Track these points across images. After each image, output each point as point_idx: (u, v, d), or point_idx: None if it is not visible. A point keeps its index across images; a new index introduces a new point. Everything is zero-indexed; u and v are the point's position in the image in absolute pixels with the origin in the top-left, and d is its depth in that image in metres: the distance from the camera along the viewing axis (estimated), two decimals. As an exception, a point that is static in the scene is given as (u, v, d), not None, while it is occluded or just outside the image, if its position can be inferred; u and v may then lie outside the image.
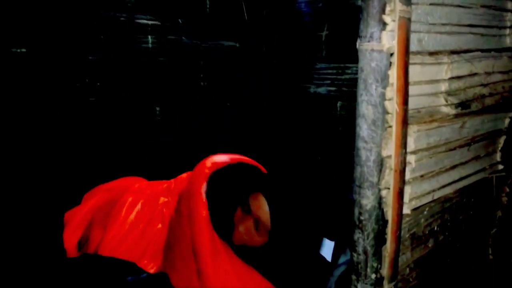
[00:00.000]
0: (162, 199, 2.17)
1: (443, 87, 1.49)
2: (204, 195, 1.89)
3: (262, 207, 1.88)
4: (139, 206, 2.19)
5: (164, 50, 3.03)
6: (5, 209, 2.32)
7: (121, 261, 1.99)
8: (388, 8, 1.14)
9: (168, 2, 3.00)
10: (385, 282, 1.31)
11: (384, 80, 1.18)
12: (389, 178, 1.24)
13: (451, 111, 1.49)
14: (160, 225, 2.08)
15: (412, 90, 1.28)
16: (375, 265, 1.28)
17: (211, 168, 2.04)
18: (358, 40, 1.19)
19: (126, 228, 2.12)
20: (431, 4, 1.38)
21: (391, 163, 1.24)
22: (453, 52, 1.50)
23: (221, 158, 2.15)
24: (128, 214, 2.19)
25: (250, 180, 2.01)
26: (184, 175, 2.39)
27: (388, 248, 1.30)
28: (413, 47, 1.29)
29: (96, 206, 2.36)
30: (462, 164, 1.61)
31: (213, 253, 1.78)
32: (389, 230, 1.29)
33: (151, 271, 1.96)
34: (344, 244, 1.87)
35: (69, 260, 2.11)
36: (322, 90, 3.15)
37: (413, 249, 1.50)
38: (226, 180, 1.99)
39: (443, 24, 1.44)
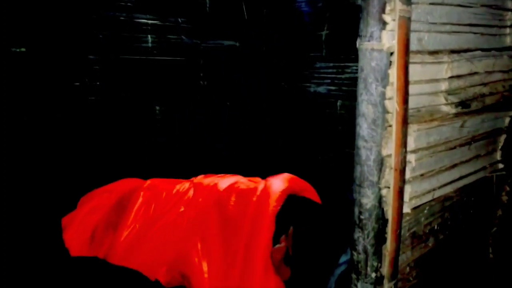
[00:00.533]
0: (180, 208, 2.21)
1: (443, 86, 1.50)
2: (275, 216, 1.96)
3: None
4: (151, 211, 2.24)
5: (164, 49, 3.03)
6: (5, 209, 2.32)
7: (127, 269, 2.04)
8: (388, 8, 1.15)
9: (168, 2, 3.01)
10: (385, 281, 1.31)
11: (384, 79, 1.18)
12: (389, 177, 1.25)
13: (451, 110, 1.49)
14: (171, 235, 2.12)
15: (412, 89, 1.28)
16: (375, 264, 1.28)
17: (286, 191, 2.12)
18: (358, 40, 1.20)
19: (137, 233, 2.17)
20: (431, 3, 1.38)
21: (391, 162, 1.24)
22: (453, 51, 1.50)
23: (289, 182, 2.23)
24: (138, 217, 2.23)
25: (304, 217, 2.10)
26: (203, 181, 2.42)
27: (388, 247, 1.30)
28: (413, 46, 1.29)
29: (97, 208, 2.37)
30: (462, 163, 1.61)
31: (266, 267, 1.85)
32: (389, 229, 1.29)
33: (162, 280, 2.00)
34: (345, 244, 1.88)
35: (73, 259, 2.13)
36: (322, 89, 3.15)
37: (413, 248, 1.50)
38: (296, 209, 2.08)
39: (443, 24, 1.44)
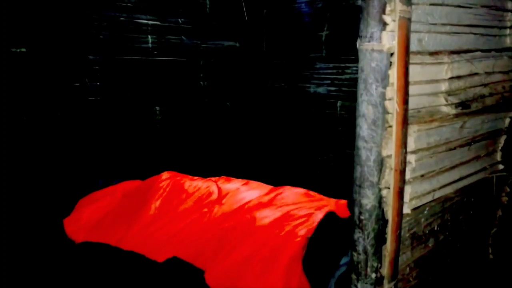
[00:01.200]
0: (203, 209, 2.27)
1: (443, 87, 1.50)
2: (316, 224, 1.98)
3: None
4: (172, 205, 2.30)
5: (164, 50, 3.03)
6: (4, 208, 2.32)
7: (136, 254, 2.05)
8: (388, 8, 1.15)
9: (168, 3, 3.01)
10: (385, 282, 1.31)
11: (384, 80, 1.18)
12: (389, 178, 1.25)
13: (451, 111, 1.49)
14: (191, 231, 2.14)
15: (412, 90, 1.28)
16: (375, 264, 1.28)
17: (328, 208, 2.15)
18: (358, 40, 1.20)
19: (155, 225, 2.19)
20: (431, 4, 1.38)
21: (391, 163, 1.24)
22: (453, 52, 1.50)
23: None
24: (157, 209, 2.28)
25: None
26: (225, 186, 2.50)
27: (388, 247, 1.30)
28: (413, 47, 1.29)
29: (103, 207, 2.38)
30: (462, 163, 1.61)
31: (290, 266, 1.84)
32: (389, 229, 1.29)
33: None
34: (345, 246, 1.87)
35: (78, 245, 2.15)
36: (322, 90, 3.15)
37: (414, 249, 1.50)
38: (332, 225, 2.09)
39: (443, 24, 1.44)
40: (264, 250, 1.87)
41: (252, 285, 1.79)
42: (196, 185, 2.47)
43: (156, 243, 2.07)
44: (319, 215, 2.06)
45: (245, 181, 2.60)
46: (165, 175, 2.55)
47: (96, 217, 2.32)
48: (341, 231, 1.96)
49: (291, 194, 2.38)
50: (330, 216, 2.08)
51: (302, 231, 1.94)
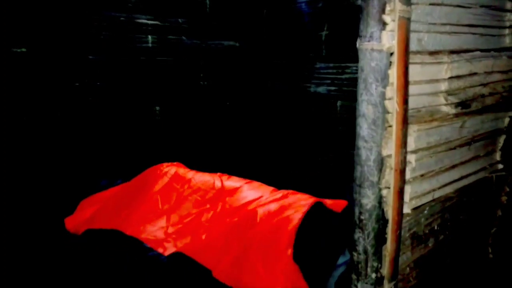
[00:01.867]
0: (206, 205, 2.28)
1: (443, 86, 1.50)
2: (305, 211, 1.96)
3: None
4: (173, 196, 2.32)
5: (164, 50, 3.03)
6: (4, 208, 2.32)
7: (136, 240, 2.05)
8: (388, 8, 1.15)
9: (168, 2, 3.01)
10: (385, 282, 1.31)
11: (384, 79, 1.18)
12: (390, 178, 1.25)
13: (451, 110, 1.49)
14: (192, 225, 2.17)
15: (412, 89, 1.28)
16: (375, 264, 1.28)
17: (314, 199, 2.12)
18: (358, 40, 1.20)
19: (156, 213, 2.21)
20: (430, 4, 1.38)
21: (391, 163, 1.24)
22: (453, 51, 1.50)
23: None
24: (160, 199, 2.29)
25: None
26: (228, 183, 2.48)
27: (389, 247, 1.30)
28: (413, 46, 1.29)
29: (102, 212, 2.39)
30: (462, 163, 1.61)
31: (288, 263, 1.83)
32: (390, 229, 1.29)
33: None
34: (342, 245, 1.87)
35: (81, 236, 2.16)
36: (322, 89, 3.15)
37: (414, 249, 1.50)
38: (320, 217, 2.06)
39: (443, 24, 1.44)
40: (264, 241, 1.88)
41: (255, 275, 1.80)
42: (199, 177, 2.47)
43: (159, 234, 2.09)
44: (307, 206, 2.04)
45: (247, 180, 2.59)
46: (166, 164, 2.56)
47: (97, 212, 2.33)
48: (330, 222, 1.97)
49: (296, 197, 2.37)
50: (317, 206, 2.05)
51: (297, 216, 1.93)
